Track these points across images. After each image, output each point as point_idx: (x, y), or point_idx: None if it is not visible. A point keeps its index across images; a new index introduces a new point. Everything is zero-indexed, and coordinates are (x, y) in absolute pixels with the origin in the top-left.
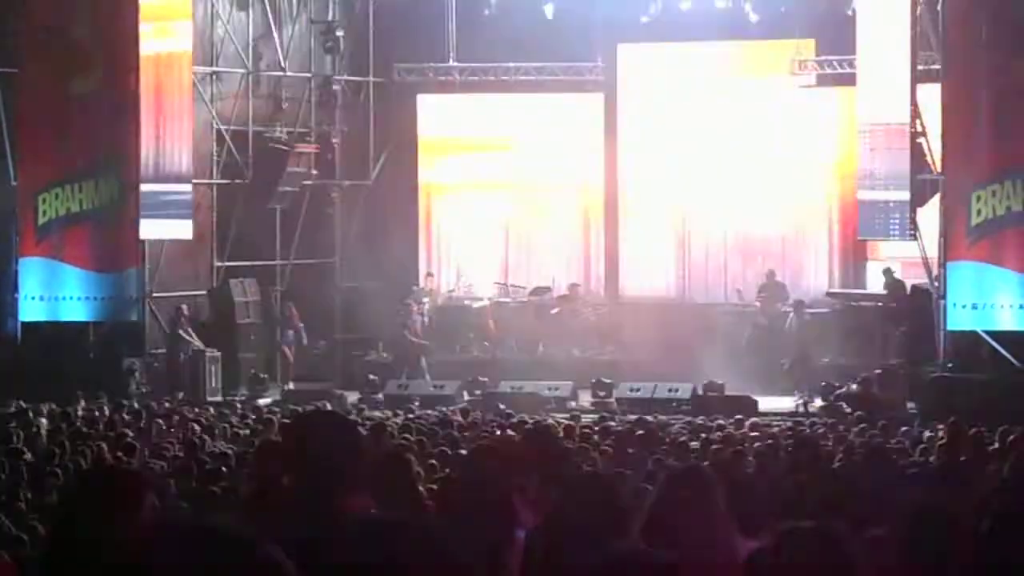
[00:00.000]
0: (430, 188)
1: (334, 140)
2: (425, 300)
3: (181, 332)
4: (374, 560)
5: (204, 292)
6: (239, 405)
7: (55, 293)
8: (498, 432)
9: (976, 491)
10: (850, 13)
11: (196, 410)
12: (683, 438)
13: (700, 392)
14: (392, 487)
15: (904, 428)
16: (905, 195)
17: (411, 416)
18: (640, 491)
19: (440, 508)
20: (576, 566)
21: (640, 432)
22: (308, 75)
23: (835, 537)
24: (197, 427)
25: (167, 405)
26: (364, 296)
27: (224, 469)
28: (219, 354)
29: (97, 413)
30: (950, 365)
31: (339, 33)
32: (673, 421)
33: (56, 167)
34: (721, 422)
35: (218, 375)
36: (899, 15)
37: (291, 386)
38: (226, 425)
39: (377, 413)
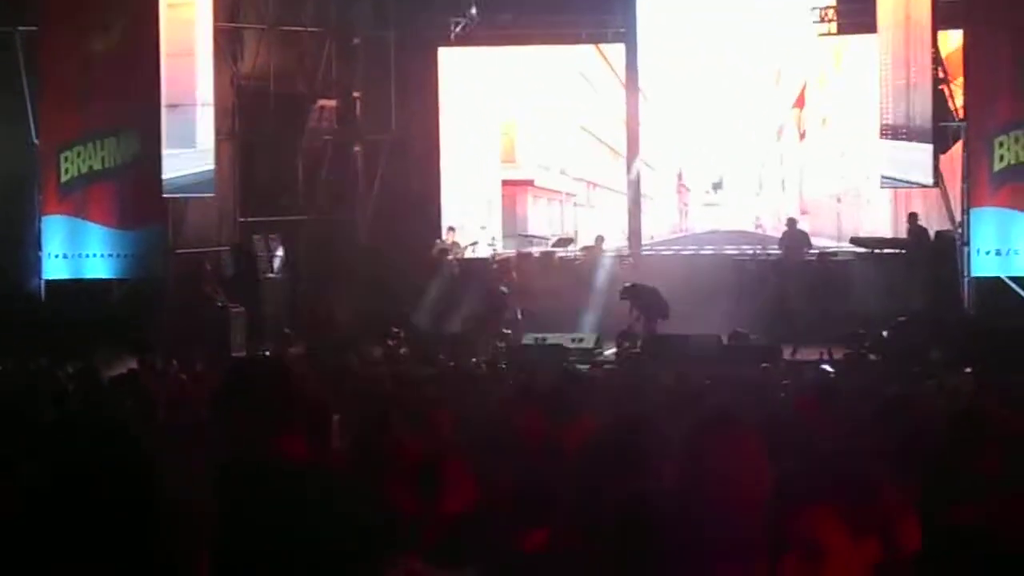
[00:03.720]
0: (451, 141)
1: (355, 94)
2: (446, 252)
3: (205, 288)
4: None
5: (227, 248)
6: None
7: (78, 251)
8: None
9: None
10: None
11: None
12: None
13: (725, 342)
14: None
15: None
16: (927, 142)
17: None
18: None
19: None
20: (597, 506)
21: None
22: (328, 30)
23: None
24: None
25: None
26: (386, 251)
27: None
28: (243, 310)
29: (122, 370)
30: (974, 312)
31: None
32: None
33: (78, 125)
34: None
35: (242, 331)
36: None
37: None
38: None
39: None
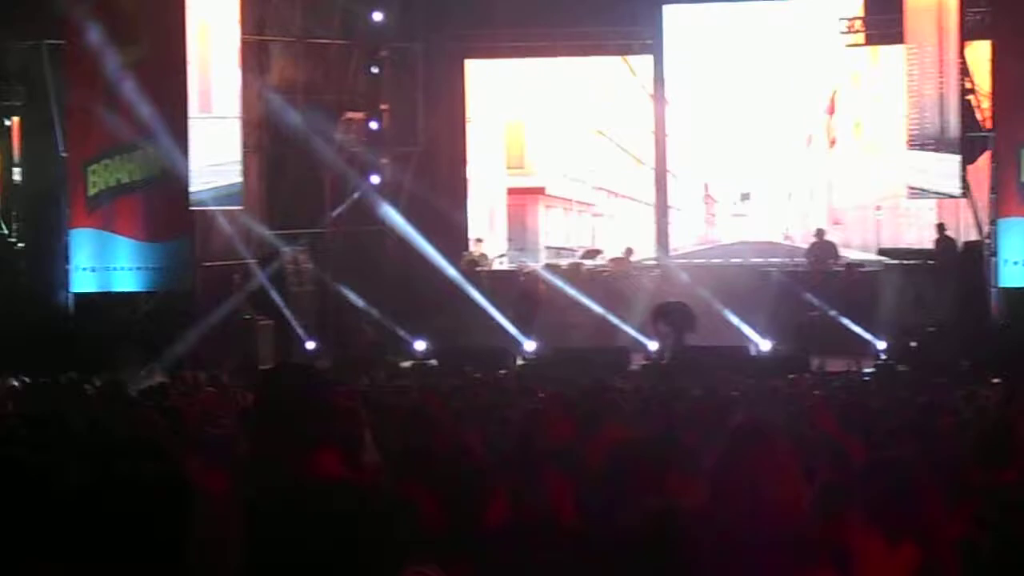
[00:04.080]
0: (479, 153)
1: (383, 107)
2: (477, 264)
3: (233, 300)
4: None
5: (255, 260)
6: None
7: (106, 264)
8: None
9: None
10: None
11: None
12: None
13: (752, 353)
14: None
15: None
16: (955, 153)
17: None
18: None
19: None
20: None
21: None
22: (355, 42)
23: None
24: (250, 396)
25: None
26: (413, 263)
27: None
28: (271, 322)
29: (150, 383)
30: (1002, 322)
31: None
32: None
33: (105, 139)
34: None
35: (270, 343)
36: None
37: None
38: None
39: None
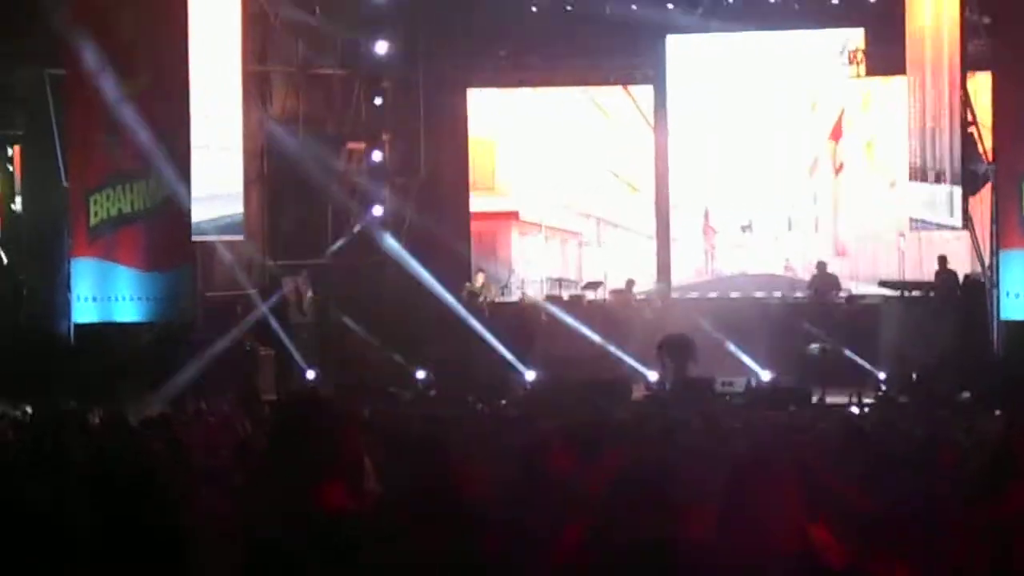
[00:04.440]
0: (481, 184)
1: (384, 137)
2: (477, 297)
3: (234, 330)
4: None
5: (256, 291)
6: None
7: (108, 294)
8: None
9: None
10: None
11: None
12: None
13: (753, 385)
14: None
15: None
16: (956, 185)
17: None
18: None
19: None
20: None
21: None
22: (357, 72)
23: None
24: (248, 426)
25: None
26: (415, 293)
27: None
28: (272, 352)
29: (150, 413)
30: (1003, 355)
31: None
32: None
33: (107, 168)
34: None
35: (272, 374)
36: (948, 4)
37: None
38: None
39: None
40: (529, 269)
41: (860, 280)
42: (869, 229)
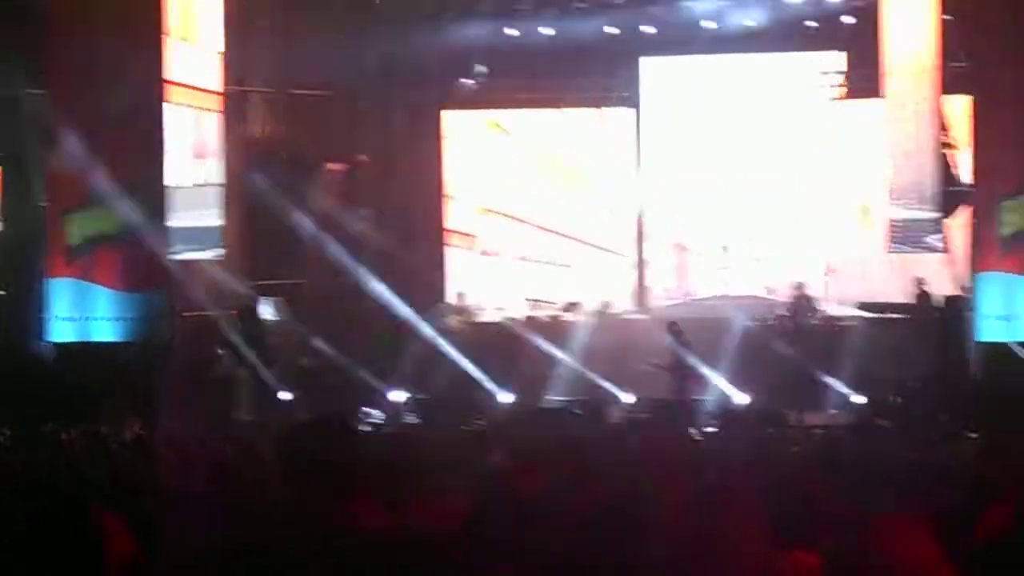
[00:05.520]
0: (457, 204)
1: (361, 158)
2: (455, 317)
3: (210, 351)
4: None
5: (232, 311)
6: (271, 425)
7: (85, 314)
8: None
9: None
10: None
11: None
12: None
13: (729, 407)
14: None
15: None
16: (934, 208)
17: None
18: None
19: None
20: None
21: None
22: (336, 94)
23: None
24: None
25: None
26: (389, 314)
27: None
28: (248, 373)
29: (128, 434)
30: (981, 378)
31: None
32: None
33: (85, 188)
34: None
35: (248, 394)
36: (926, 26)
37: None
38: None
39: None
40: (505, 290)
41: (844, 303)
42: (848, 252)
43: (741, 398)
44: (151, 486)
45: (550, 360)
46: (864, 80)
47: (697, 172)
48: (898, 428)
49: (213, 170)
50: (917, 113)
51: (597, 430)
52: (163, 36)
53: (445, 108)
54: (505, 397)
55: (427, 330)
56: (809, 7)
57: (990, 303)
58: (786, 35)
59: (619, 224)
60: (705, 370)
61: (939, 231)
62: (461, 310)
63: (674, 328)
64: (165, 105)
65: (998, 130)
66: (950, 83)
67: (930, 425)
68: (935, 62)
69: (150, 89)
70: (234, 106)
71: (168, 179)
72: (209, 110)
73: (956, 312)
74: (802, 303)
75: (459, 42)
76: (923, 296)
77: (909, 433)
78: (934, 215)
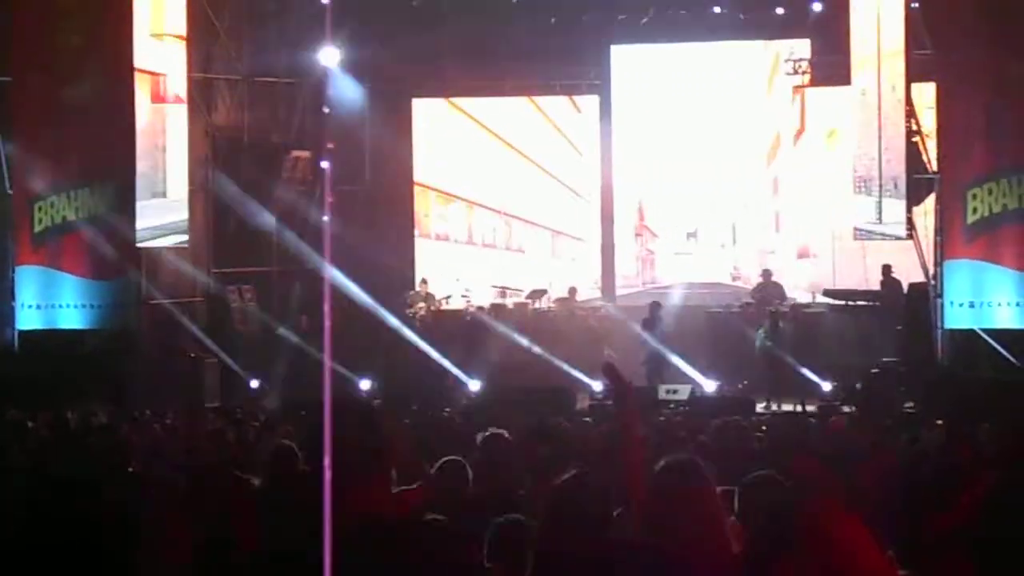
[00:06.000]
0: (425, 192)
1: (329, 146)
2: (421, 305)
3: (177, 338)
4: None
5: (200, 299)
6: (238, 412)
7: (52, 301)
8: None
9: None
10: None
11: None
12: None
13: (697, 394)
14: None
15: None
16: (900, 195)
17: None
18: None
19: None
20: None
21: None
22: (302, 81)
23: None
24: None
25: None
26: (357, 303)
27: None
28: (216, 360)
29: (94, 420)
30: (947, 364)
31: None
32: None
33: (52, 176)
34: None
35: (216, 382)
36: (892, 14)
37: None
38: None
39: None
40: (471, 277)
41: (810, 290)
42: (815, 239)
43: (708, 385)
44: (119, 472)
45: (518, 347)
46: (831, 68)
47: (665, 159)
48: (863, 415)
49: (179, 159)
50: (884, 101)
51: (565, 415)
52: (131, 25)
53: (415, 96)
54: (474, 384)
55: (396, 316)
56: None
57: (956, 290)
58: (754, 23)
59: (586, 211)
60: (673, 356)
61: (906, 218)
62: (427, 297)
63: (656, 308)
64: (131, 93)
65: (963, 118)
66: (916, 71)
67: (895, 412)
68: (901, 51)
69: (117, 77)
70: (200, 92)
71: (135, 167)
72: (176, 99)
73: (922, 299)
74: (768, 290)
75: (429, 30)
76: (890, 283)
77: (874, 420)
78: (901, 202)
